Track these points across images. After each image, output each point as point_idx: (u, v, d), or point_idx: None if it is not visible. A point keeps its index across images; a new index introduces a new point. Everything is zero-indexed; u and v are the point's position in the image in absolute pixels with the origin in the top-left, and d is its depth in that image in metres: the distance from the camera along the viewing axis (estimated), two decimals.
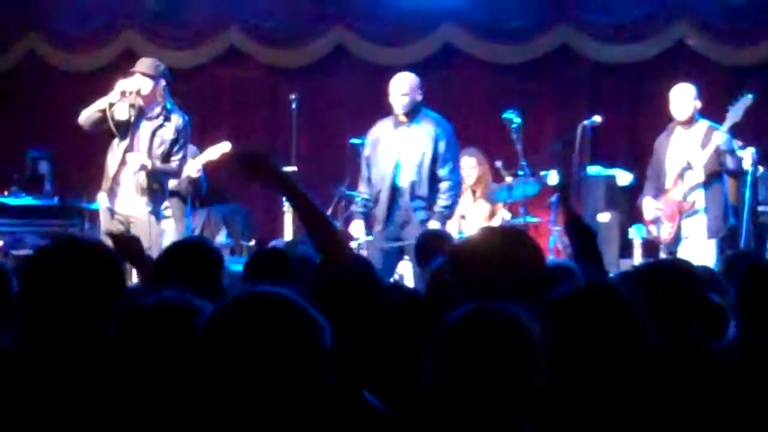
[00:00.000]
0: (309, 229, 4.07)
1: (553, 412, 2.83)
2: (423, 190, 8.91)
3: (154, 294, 3.01)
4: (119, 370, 2.82)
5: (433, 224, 8.74)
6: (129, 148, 8.57)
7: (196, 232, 10.29)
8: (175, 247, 4.67)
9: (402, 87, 9.04)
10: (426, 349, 3.16)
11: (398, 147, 8.98)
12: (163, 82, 8.73)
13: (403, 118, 9.02)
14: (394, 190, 8.96)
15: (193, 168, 9.55)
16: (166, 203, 9.06)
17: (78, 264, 3.19)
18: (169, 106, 8.73)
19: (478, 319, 2.78)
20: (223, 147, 9.83)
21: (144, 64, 8.78)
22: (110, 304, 3.12)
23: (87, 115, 8.60)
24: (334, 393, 2.46)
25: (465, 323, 2.78)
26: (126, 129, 8.63)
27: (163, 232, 8.78)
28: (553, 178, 9.64)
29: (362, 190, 9.18)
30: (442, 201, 8.92)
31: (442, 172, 8.93)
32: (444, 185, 8.93)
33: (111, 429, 2.81)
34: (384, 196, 8.96)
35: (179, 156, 8.78)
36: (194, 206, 10.18)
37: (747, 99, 8.91)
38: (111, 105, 8.52)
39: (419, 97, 9.05)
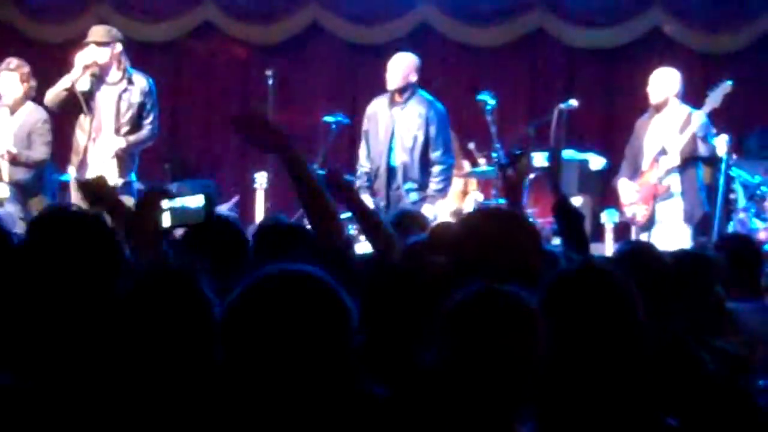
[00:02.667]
0: (305, 202, 3.93)
1: (551, 395, 2.80)
2: (414, 173, 8.97)
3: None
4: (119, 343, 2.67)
5: (427, 208, 8.77)
6: (94, 119, 8.45)
7: None
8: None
9: (395, 65, 9.10)
10: (421, 328, 3.10)
11: (392, 127, 9.03)
12: (119, 46, 8.66)
13: (397, 98, 9.08)
14: (389, 170, 9.02)
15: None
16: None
17: (72, 237, 3.05)
18: (129, 70, 8.63)
19: (485, 301, 2.72)
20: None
21: (96, 32, 8.72)
22: (108, 279, 2.95)
23: (52, 97, 8.56)
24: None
25: (471, 304, 2.72)
26: (89, 100, 8.54)
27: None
28: (539, 159, 9.60)
29: (363, 164, 9.21)
30: (434, 185, 9.00)
31: (434, 155, 8.99)
32: (436, 169, 9.00)
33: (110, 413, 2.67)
34: (382, 173, 9.03)
35: (150, 119, 8.70)
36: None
37: (726, 85, 8.93)
38: (74, 81, 8.40)
39: (413, 78, 9.08)
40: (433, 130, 8.97)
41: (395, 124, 9.02)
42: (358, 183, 9.16)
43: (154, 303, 2.66)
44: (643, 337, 3.00)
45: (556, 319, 2.80)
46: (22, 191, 8.83)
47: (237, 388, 2.36)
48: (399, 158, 9.00)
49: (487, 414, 2.66)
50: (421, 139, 8.95)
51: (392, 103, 9.10)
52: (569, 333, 2.85)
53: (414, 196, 8.92)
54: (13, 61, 9.05)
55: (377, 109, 9.19)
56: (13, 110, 8.93)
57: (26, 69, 9.01)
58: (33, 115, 8.94)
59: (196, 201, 3.53)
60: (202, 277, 2.71)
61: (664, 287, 3.95)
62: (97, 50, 8.54)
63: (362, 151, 9.27)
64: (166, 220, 3.53)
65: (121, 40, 8.71)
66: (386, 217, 8.61)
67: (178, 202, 3.54)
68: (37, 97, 9.00)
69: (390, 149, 9.01)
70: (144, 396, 2.60)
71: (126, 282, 2.73)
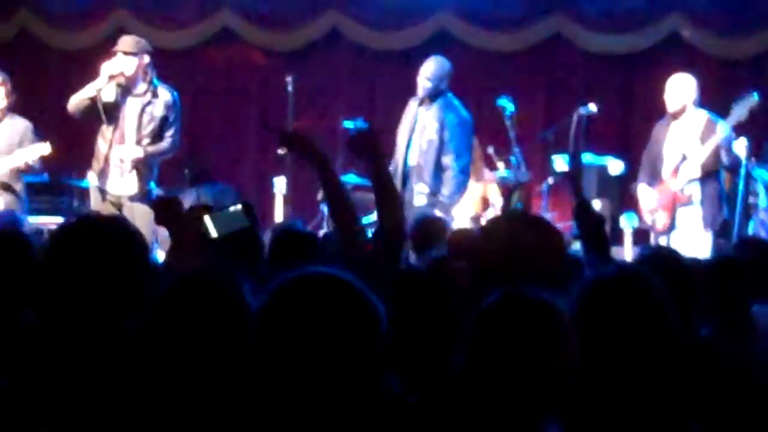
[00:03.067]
0: (332, 211, 3.97)
1: (579, 401, 2.76)
2: (426, 176, 8.89)
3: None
4: (147, 352, 2.68)
5: (437, 213, 8.61)
6: (117, 129, 8.48)
7: None
8: None
9: (427, 71, 9.04)
10: (449, 333, 3.10)
11: (413, 127, 9.01)
12: (146, 58, 8.67)
13: (426, 99, 9.02)
14: (405, 170, 8.97)
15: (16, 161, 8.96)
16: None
17: (101, 241, 3.07)
18: (155, 82, 8.66)
19: (514, 306, 2.71)
20: (42, 149, 9.00)
21: (125, 42, 8.71)
22: (136, 281, 3.02)
23: (75, 103, 8.58)
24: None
25: (500, 309, 2.71)
26: (114, 110, 8.55)
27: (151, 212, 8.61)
28: (560, 163, 9.58)
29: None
30: (445, 190, 8.89)
31: (446, 160, 8.90)
32: (448, 174, 8.90)
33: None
34: (399, 173, 8.91)
35: (171, 132, 8.70)
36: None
37: (753, 99, 8.83)
38: (99, 90, 8.43)
39: (443, 86, 9.03)
40: (447, 134, 8.88)
41: (416, 125, 9.00)
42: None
43: (197, 305, 2.68)
44: (677, 344, 2.99)
45: (590, 326, 2.79)
46: (20, 201, 9.03)
47: (268, 388, 2.36)
48: (413, 159, 8.95)
49: (514, 419, 2.64)
50: (436, 143, 8.88)
51: (421, 103, 9.08)
52: (604, 340, 2.82)
53: (422, 200, 8.83)
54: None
55: (409, 107, 9.18)
56: None
57: (9, 83, 9.18)
58: (19, 124, 9.08)
59: (234, 209, 3.63)
60: (243, 282, 2.73)
61: (686, 291, 3.92)
62: (125, 60, 8.53)
63: None
64: (213, 232, 3.62)
65: (150, 51, 8.71)
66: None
67: (219, 213, 3.63)
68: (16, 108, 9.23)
69: (407, 149, 8.99)
70: (177, 399, 2.61)
71: (166, 285, 2.74)
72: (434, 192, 8.88)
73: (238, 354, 2.53)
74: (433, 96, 8.98)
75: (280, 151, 10.13)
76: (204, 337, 2.64)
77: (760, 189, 9.75)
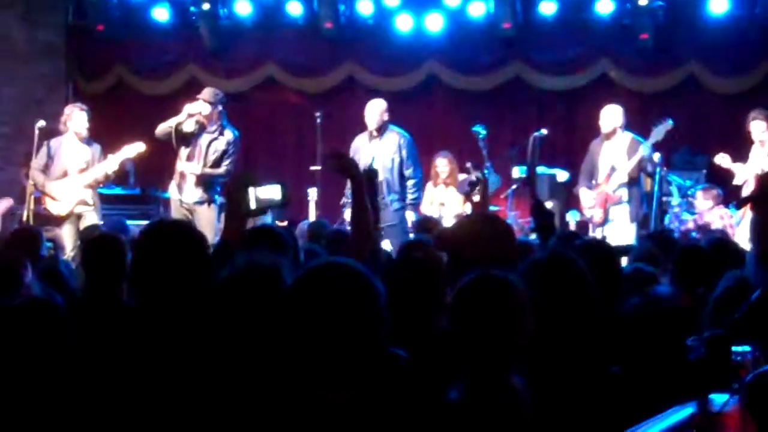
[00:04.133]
0: (354, 215, 3.84)
1: (532, 355, 2.77)
2: (396, 186, 9.00)
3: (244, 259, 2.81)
4: (215, 325, 2.68)
5: (409, 213, 8.94)
6: (191, 155, 8.60)
7: None
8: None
9: (374, 111, 9.14)
10: (433, 305, 3.15)
11: (372, 154, 9.02)
12: (220, 107, 8.78)
13: (375, 133, 9.10)
14: None
15: (110, 165, 9.09)
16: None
17: (176, 239, 3.14)
18: (224, 124, 8.75)
19: (485, 283, 2.74)
20: (138, 147, 9.12)
21: (207, 93, 8.86)
22: (200, 271, 3.05)
23: (160, 129, 8.78)
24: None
25: (475, 286, 2.74)
26: (190, 139, 8.70)
27: (216, 216, 8.71)
28: (516, 173, 9.68)
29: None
30: (411, 194, 9.08)
31: (407, 172, 9.06)
32: (410, 182, 9.08)
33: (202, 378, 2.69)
34: None
35: (227, 162, 8.81)
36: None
37: (668, 124, 8.95)
38: (179, 123, 8.54)
39: (386, 118, 9.14)
40: (405, 153, 9.01)
41: (375, 152, 9.02)
42: (344, 199, 9.08)
43: (252, 290, 2.66)
44: (595, 305, 3.03)
45: (531, 294, 2.81)
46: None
47: (295, 348, 2.30)
48: (380, 176, 8.86)
49: (486, 371, 2.65)
50: (397, 160, 8.98)
51: (371, 137, 9.13)
52: (541, 305, 2.83)
53: (396, 204, 8.94)
54: (80, 104, 9.29)
55: (359, 144, 9.20)
56: (82, 141, 9.11)
57: (89, 114, 9.19)
58: (95, 147, 9.16)
59: (274, 186, 3.46)
60: (284, 273, 2.70)
61: (610, 271, 3.92)
62: (203, 105, 8.69)
63: None
64: (252, 203, 3.42)
65: (224, 102, 8.84)
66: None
67: (260, 187, 3.44)
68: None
69: None
70: (232, 358, 2.61)
71: (226, 275, 2.75)
72: (403, 197, 9.02)
73: (275, 320, 2.43)
74: (381, 128, 9.07)
75: (313, 168, 10.22)
76: (253, 311, 2.61)
77: (674, 190, 9.81)
